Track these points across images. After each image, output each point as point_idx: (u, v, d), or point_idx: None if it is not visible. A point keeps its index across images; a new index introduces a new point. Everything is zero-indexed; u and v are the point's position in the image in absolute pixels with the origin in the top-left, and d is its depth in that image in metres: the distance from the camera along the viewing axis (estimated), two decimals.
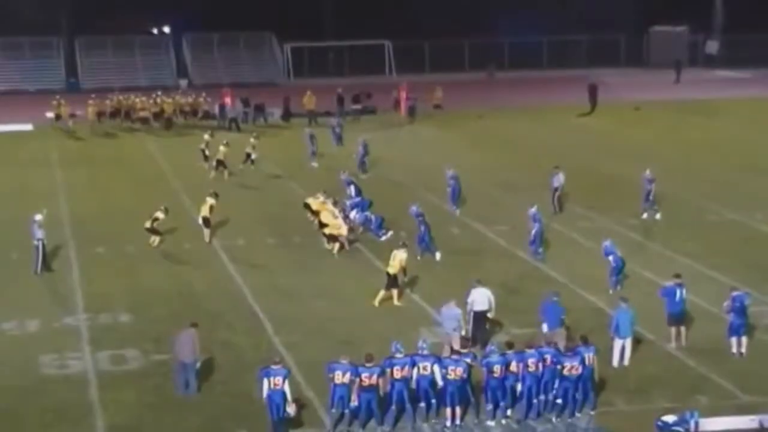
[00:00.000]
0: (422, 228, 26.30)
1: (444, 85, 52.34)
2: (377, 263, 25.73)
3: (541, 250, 26.21)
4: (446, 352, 18.98)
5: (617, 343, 19.58)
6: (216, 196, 28.51)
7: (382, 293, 22.88)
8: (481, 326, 20.53)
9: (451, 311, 19.83)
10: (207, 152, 37.16)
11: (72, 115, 46.92)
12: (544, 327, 19.85)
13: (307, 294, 24.01)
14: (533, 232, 26.05)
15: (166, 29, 64.97)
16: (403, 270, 23.29)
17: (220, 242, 28.10)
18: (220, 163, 35.39)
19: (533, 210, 26.56)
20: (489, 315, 20.63)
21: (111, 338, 21.38)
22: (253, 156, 36.78)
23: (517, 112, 50.97)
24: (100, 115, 47.30)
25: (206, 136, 38.19)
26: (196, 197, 30.89)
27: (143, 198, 32.94)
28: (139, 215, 29.62)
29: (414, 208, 27.05)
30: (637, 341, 20.16)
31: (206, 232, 28.03)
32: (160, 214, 27.72)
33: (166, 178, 36.78)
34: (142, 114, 47.09)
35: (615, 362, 19.51)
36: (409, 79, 55.47)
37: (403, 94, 50.51)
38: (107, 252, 27.45)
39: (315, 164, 37.60)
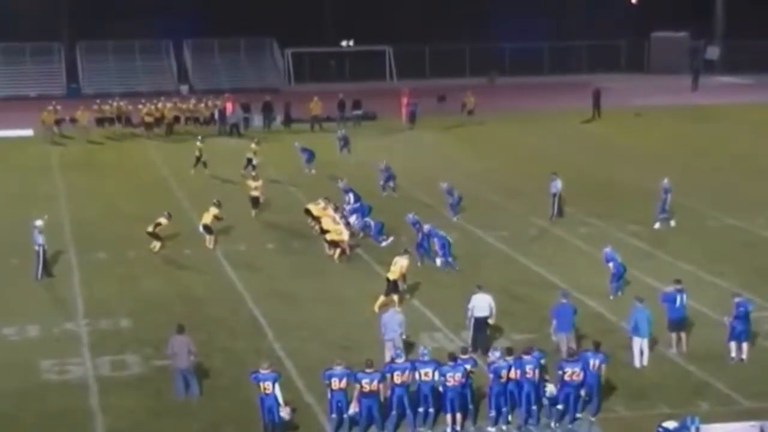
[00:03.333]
0: (420, 235, 26.35)
1: (444, 91, 52.18)
2: (377, 269, 25.74)
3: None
4: (387, 357, 18.92)
5: (636, 343, 19.70)
6: (219, 205, 28.50)
7: (381, 299, 22.89)
8: (482, 332, 20.53)
9: (393, 317, 19.78)
10: (202, 158, 37.40)
11: (64, 120, 46.70)
12: (553, 328, 19.94)
13: (308, 299, 24.01)
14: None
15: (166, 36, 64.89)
16: (404, 276, 23.31)
17: (221, 248, 28.10)
18: (255, 200, 31.44)
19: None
20: (489, 321, 20.64)
21: (111, 344, 21.38)
22: (255, 161, 36.83)
23: (518, 118, 50.99)
24: (101, 120, 47.35)
25: (198, 143, 38.43)
26: (197, 203, 30.91)
27: (144, 203, 32.95)
28: (140, 220, 29.59)
29: (410, 216, 27.09)
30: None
31: (209, 238, 28.03)
32: (163, 220, 27.75)
33: (167, 184, 36.78)
34: (147, 119, 47.09)
35: (637, 363, 19.69)
36: (411, 84, 55.48)
37: (404, 100, 50.54)
38: (108, 257, 27.46)
39: (313, 171, 37.57)
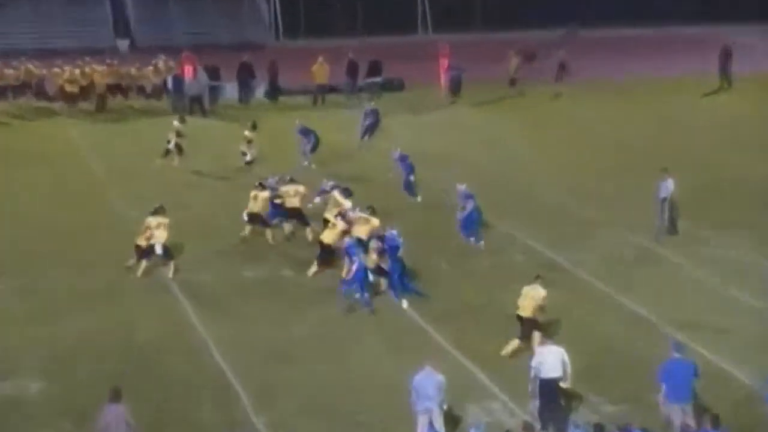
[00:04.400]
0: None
1: (504, 50, 52.20)
2: (396, 312, 25.82)
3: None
4: None
5: None
6: (163, 211, 28.56)
7: (515, 343, 23.05)
8: (554, 401, 20.53)
9: (429, 379, 19.74)
10: (171, 145, 37.87)
11: None
12: (662, 396, 19.90)
13: (301, 349, 24.04)
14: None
15: None
16: (541, 309, 23.47)
17: (177, 275, 28.14)
18: (295, 214, 30.75)
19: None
20: (563, 384, 20.60)
21: (13, 417, 21.34)
22: (249, 157, 37.03)
23: (607, 90, 50.98)
24: (2, 90, 47.52)
25: (176, 123, 38.81)
26: (143, 210, 30.89)
27: (67, 210, 33.16)
28: (58, 235, 29.73)
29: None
30: None
31: (170, 265, 28.26)
32: (154, 221, 28.14)
33: (99, 182, 36.91)
34: (67, 89, 47.17)
35: None
36: (453, 39, 55.49)
37: (444, 62, 50.60)
38: (13, 289, 27.52)
39: (312, 165, 37.56)
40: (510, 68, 50.98)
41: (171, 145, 38.04)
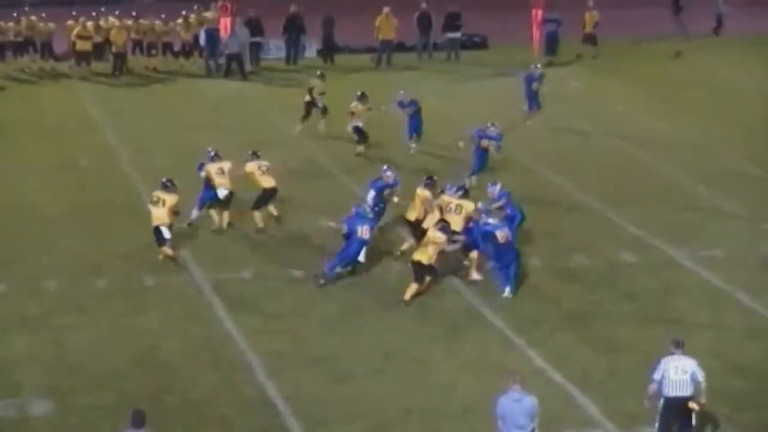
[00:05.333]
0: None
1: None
2: (476, 318, 25.96)
3: None
4: None
5: None
6: (170, 187, 28.87)
7: None
8: (683, 425, 20.48)
9: (519, 403, 19.60)
10: (320, 105, 38.66)
11: None
12: None
13: (359, 369, 24.05)
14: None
15: None
16: None
17: (209, 275, 28.42)
18: None
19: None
20: (694, 405, 20.50)
21: None
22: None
23: (747, 46, 50.57)
24: (0, 48, 47.98)
25: (316, 80, 39.36)
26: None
27: (77, 196, 33.60)
28: (67, 226, 30.03)
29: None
30: None
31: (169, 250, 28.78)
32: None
33: (116, 161, 37.31)
34: (79, 46, 47.49)
35: None
36: None
37: (537, 13, 50.50)
38: (12, 291, 27.82)
39: (414, 145, 37.62)
40: (586, 21, 50.95)
41: (320, 105, 38.63)
